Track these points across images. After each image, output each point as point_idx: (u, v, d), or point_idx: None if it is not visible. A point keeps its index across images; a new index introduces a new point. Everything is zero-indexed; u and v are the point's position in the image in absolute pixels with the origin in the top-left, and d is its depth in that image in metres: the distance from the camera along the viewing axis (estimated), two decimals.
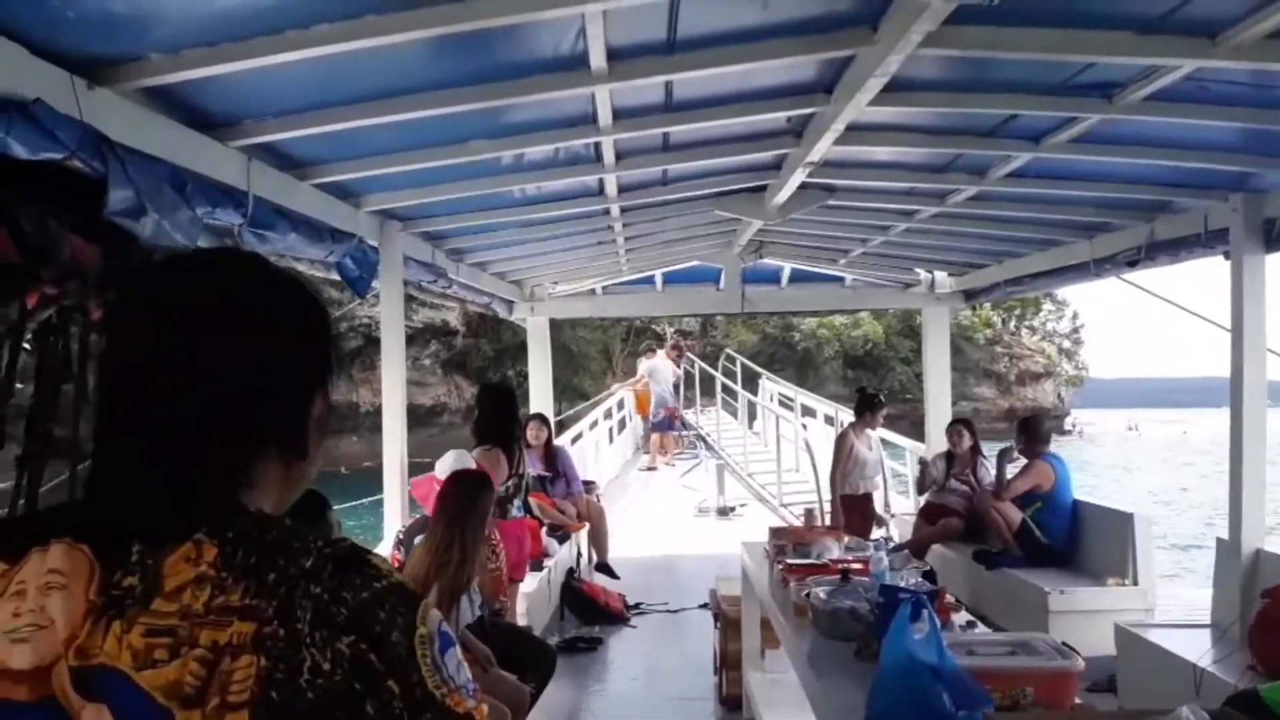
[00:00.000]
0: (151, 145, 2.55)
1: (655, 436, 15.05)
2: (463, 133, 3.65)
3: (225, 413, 0.87)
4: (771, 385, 16.06)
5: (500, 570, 4.31)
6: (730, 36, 3.01)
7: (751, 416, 16.13)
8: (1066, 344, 45.65)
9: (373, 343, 22.50)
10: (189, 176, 2.77)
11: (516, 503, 5.11)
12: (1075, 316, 46.18)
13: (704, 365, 18.96)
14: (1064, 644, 2.44)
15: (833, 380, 34.49)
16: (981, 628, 3.25)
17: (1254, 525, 4.41)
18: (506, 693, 3.46)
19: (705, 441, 15.35)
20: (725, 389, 17.74)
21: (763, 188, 5.28)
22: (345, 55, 2.65)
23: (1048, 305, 44.01)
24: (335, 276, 4.34)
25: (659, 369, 15.19)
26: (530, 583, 5.92)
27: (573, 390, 29.19)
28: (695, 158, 4.53)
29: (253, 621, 0.76)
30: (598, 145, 4.02)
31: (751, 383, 17.17)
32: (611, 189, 4.87)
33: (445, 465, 4.63)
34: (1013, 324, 42.78)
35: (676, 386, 15.75)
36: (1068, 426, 45.46)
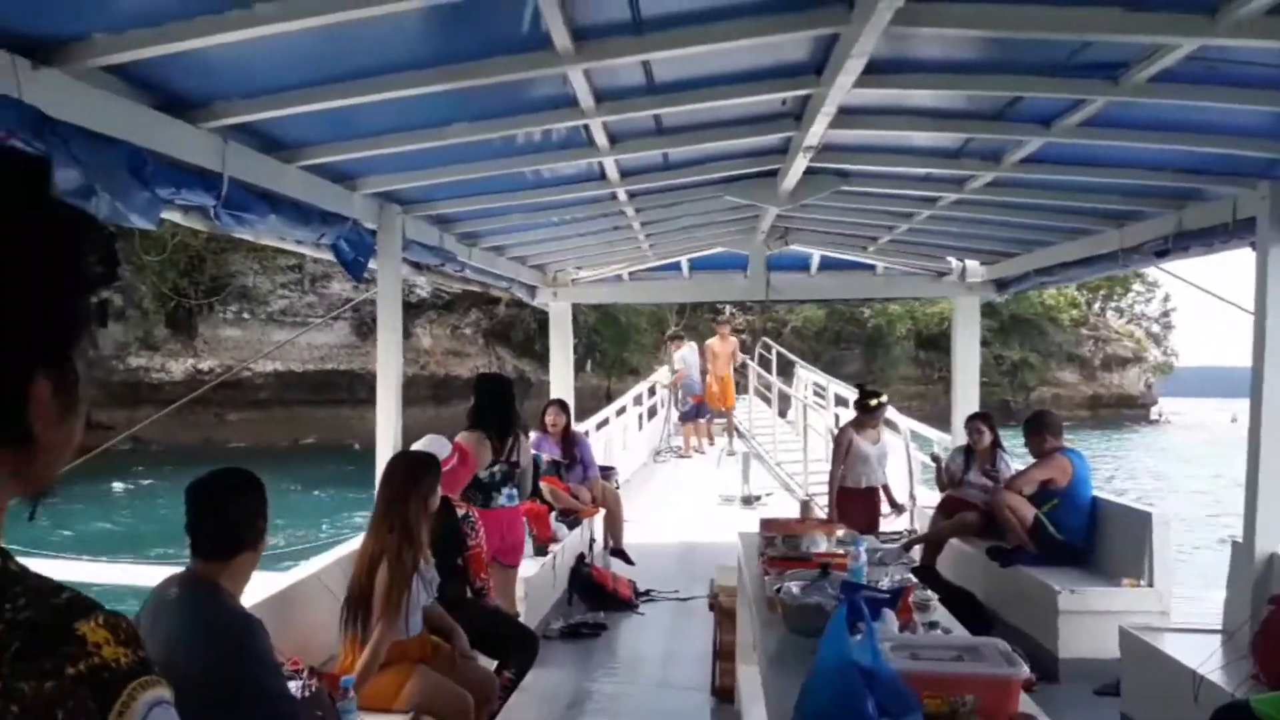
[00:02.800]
0: (102, 124, 2.54)
1: (686, 425, 15.02)
2: (442, 115, 3.61)
3: None
4: (806, 374, 15.88)
5: (480, 548, 4.28)
6: (698, 15, 2.91)
7: (785, 405, 15.97)
8: (1155, 328, 42.41)
9: (406, 308, 21.59)
10: (151, 157, 2.77)
11: (506, 491, 5.06)
12: (1166, 299, 42.62)
13: (741, 355, 18.80)
14: (1014, 650, 2.33)
15: (903, 361, 32.06)
16: (952, 627, 3.14)
17: (1270, 527, 4.22)
18: (474, 680, 3.45)
19: (736, 429, 15.25)
20: (759, 377, 17.60)
21: (774, 172, 5.17)
22: (319, 31, 2.60)
23: (1137, 286, 40.62)
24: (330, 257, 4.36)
25: (689, 358, 15.13)
26: (533, 567, 5.91)
27: (622, 365, 27.84)
28: (693, 141, 4.44)
29: None
30: (586, 128, 3.95)
31: (788, 370, 16.99)
32: (613, 173, 4.79)
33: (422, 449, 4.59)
34: (1098, 305, 39.59)
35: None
36: (1154, 415, 41.63)
